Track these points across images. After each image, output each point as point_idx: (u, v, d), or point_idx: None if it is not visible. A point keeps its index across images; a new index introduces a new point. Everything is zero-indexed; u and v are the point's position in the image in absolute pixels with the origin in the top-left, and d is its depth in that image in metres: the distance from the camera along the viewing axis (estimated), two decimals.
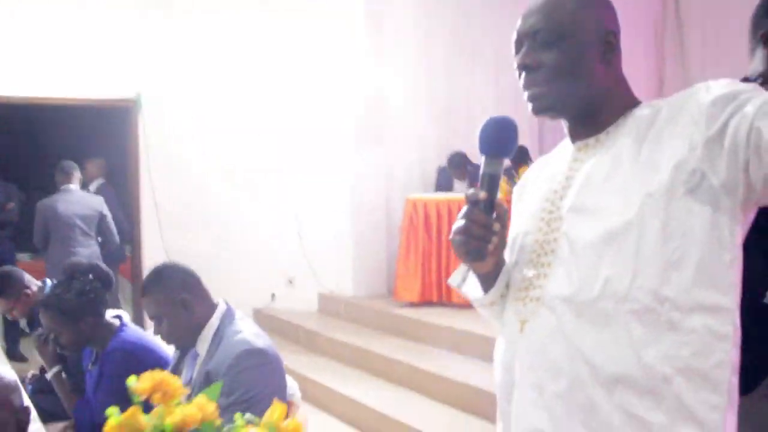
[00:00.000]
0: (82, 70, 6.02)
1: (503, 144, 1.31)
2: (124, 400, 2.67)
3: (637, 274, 1.15)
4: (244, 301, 5.49)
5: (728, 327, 1.16)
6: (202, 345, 2.44)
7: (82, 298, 2.83)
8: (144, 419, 1.19)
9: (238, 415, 1.28)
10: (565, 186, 1.30)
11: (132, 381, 1.27)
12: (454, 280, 1.50)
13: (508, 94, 7.26)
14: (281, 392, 2.40)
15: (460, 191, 6.44)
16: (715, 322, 1.14)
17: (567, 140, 1.38)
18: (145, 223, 6.40)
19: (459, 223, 1.25)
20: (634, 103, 1.31)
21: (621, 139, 1.25)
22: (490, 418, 3.64)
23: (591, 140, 1.30)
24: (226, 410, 2.16)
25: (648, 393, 1.14)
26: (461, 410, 4.23)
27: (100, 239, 5.61)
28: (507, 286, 1.35)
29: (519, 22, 1.33)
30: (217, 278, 6.02)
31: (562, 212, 1.27)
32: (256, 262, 6.29)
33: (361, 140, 6.29)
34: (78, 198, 5.64)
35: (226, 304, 2.55)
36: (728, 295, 1.16)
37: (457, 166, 6.45)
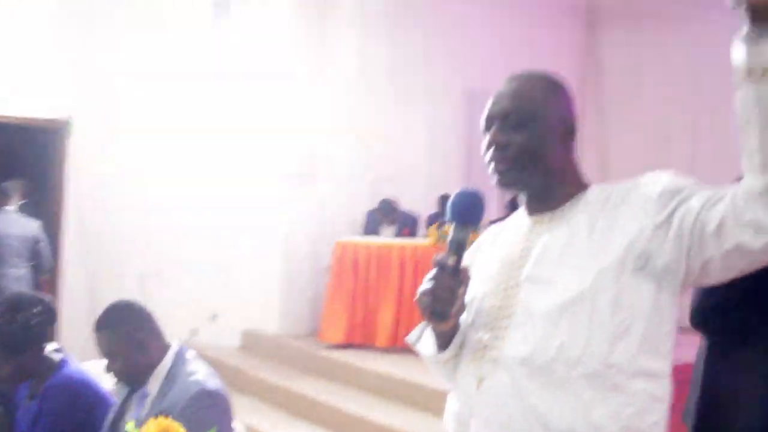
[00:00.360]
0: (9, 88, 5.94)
1: (472, 214, 1.41)
2: None
3: (589, 342, 1.28)
4: (167, 334, 5.43)
5: (664, 390, 1.33)
6: (154, 384, 2.45)
7: (26, 332, 2.80)
8: None
9: None
10: (522, 256, 1.42)
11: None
12: (411, 337, 1.60)
13: (438, 141, 7.57)
14: None
15: (388, 236, 6.62)
16: (654, 386, 1.31)
17: (522, 211, 1.50)
18: (68, 248, 6.28)
19: (426, 285, 1.35)
20: (585, 183, 1.46)
21: (576, 217, 1.39)
22: None
23: (547, 215, 1.43)
24: None
25: None
26: None
27: (32, 263, 5.52)
28: (460, 345, 1.45)
29: (490, 103, 1.46)
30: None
31: (519, 281, 1.39)
32: (182, 296, 6.25)
33: (294, 182, 6.41)
34: (14, 220, 5.59)
35: (179, 344, 2.58)
36: (666, 362, 1.33)
37: (387, 212, 6.62)
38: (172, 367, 2.48)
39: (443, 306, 1.34)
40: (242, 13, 6.49)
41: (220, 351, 6.14)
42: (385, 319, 5.90)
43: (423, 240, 6.11)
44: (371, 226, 6.78)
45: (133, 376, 2.47)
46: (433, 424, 4.61)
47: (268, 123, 6.41)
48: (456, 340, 1.43)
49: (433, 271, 1.36)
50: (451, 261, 1.35)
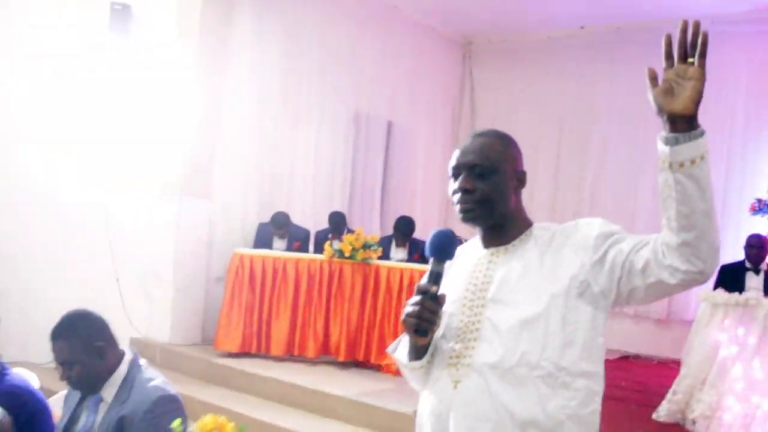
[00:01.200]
0: None
1: (447, 251, 1.77)
2: None
3: (545, 350, 1.66)
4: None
5: (599, 386, 1.71)
6: (109, 390, 2.54)
7: None
8: None
9: None
10: (485, 282, 1.78)
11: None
12: (390, 348, 1.94)
13: (326, 161, 7.89)
14: None
15: (279, 248, 6.83)
16: (592, 383, 1.69)
17: (478, 243, 1.86)
18: None
19: (412, 308, 1.68)
20: (530, 223, 1.85)
21: (527, 252, 1.77)
22: None
23: (501, 248, 1.80)
24: None
25: None
26: None
27: None
28: (432, 354, 1.80)
29: (458, 155, 1.82)
30: (26, 316, 5.88)
31: (485, 302, 1.74)
32: (69, 302, 6.14)
33: (188, 192, 6.46)
34: None
35: (133, 352, 2.73)
36: (599, 365, 1.72)
37: (280, 225, 6.81)
38: (128, 374, 2.58)
39: (427, 325, 1.68)
40: (140, 29, 6.50)
41: None
42: (280, 328, 6.11)
43: (315, 255, 6.36)
44: (262, 239, 6.93)
45: (90, 382, 2.54)
46: (325, 425, 4.95)
47: (163, 135, 6.44)
48: (429, 352, 1.77)
49: (416, 297, 1.70)
50: (434, 289, 1.69)
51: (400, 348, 1.90)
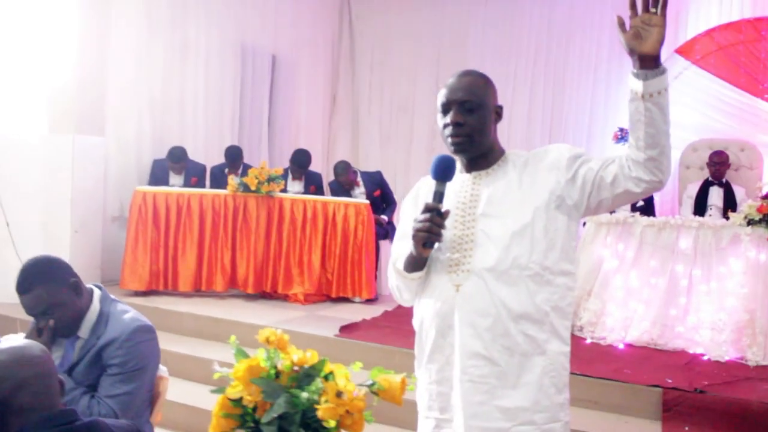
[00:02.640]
0: None
1: (448, 173, 2.02)
2: None
3: (531, 254, 1.98)
4: None
5: (573, 283, 2.08)
6: (85, 327, 2.57)
7: None
8: (264, 363, 1.65)
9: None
10: (472, 200, 2.08)
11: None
12: (391, 267, 2.19)
13: (215, 94, 7.82)
14: (158, 364, 2.77)
15: (176, 184, 6.80)
16: (568, 281, 2.05)
17: (459, 170, 2.13)
18: None
19: (422, 224, 1.95)
20: (503, 150, 2.16)
21: (508, 174, 2.08)
22: None
23: (483, 172, 2.11)
24: (117, 376, 2.52)
25: (537, 322, 1.98)
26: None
27: None
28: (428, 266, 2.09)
29: (447, 93, 2.08)
30: None
31: (475, 216, 2.05)
32: None
33: (82, 129, 6.24)
34: None
35: (98, 286, 2.77)
36: (574, 265, 2.08)
37: (177, 159, 6.76)
38: (101, 308, 2.62)
39: (434, 238, 1.97)
40: None
41: (3, 306, 5.91)
42: (187, 264, 6.15)
43: (219, 190, 6.40)
44: (158, 175, 6.86)
45: (71, 323, 2.53)
46: (228, 352, 5.11)
47: (49, 69, 6.17)
48: (427, 264, 2.07)
49: (425, 214, 1.96)
50: (441, 207, 1.96)
51: (392, 268, 2.17)
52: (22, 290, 2.46)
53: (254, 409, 1.59)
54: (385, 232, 6.93)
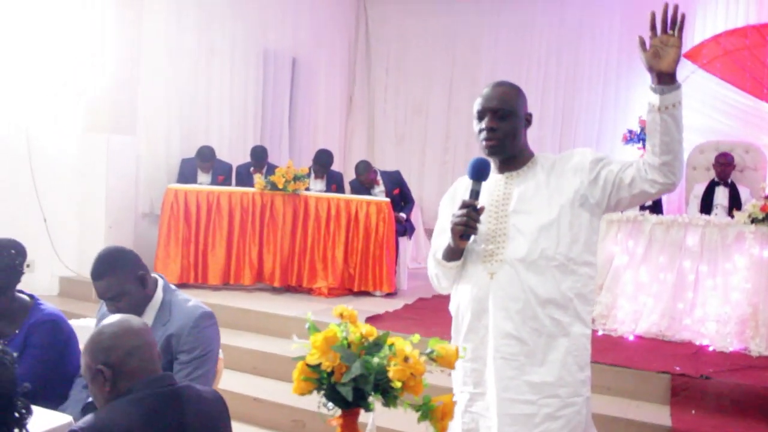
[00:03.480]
0: None
1: (484, 174, 2.30)
2: (52, 366, 3.02)
3: (558, 246, 2.25)
4: None
5: (595, 273, 2.35)
6: (150, 314, 2.81)
7: (7, 273, 3.08)
8: (339, 332, 1.93)
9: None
10: (505, 198, 2.34)
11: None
12: (437, 256, 2.46)
13: (239, 96, 8.11)
14: (219, 346, 3.05)
15: (204, 183, 7.11)
16: (590, 270, 2.32)
17: (493, 171, 2.37)
18: None
19: (460, 218, 2.22)
20: (533, 153, 2.43)
21: (537, 175, 2.35)
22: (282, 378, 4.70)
23: (514, 173, 2.37)
24: (188, 364, 2.79)
25: (562, 307, 2.24)
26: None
27: None
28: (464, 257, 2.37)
29: (483, 101, 2.34)
30: None
31: (508, 213, 2.31)
32: None
33: (115, 129, 6.56)
34: None
35: (161, 277, 3.06)
36: (595, 257, 2.35)
37: (206, 158, 7.07)
38: (164, 297, 2.87)
39: (471, 231, 2.24)
40: None
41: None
42: (216, 259, 6.46)
43: (247, 188, 6.70)
44: (186, 173, 7.16)
45: (137, 310, 2.76)
46: (280, 343, 5.40)
47: (89, 77, 6.49)
48: (464, 254, 2.35)
49: (463, 210, 2.23)
50: (478, 204, 2.24)
51: (432, 259, 2.45)
52: (95, 277, 2.74)
53: (330, 373, 1.87)
54: (404, 229, 7.22)
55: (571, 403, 2.25)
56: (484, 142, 2.35)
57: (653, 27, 2.11)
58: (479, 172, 2.28)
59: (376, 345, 1.89)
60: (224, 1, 7.77)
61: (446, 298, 6.94)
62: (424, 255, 9.13)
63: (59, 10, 6.42)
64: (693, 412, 4.02)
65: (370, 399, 1.85)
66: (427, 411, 1.81)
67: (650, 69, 2.10)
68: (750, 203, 5.14)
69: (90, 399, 2.93)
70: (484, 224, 2.30)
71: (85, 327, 3.47)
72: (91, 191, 6.53)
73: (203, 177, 7.17)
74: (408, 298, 6.54)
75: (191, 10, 7.39)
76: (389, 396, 1.83)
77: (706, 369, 4.35)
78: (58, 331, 3.13)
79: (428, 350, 1.91)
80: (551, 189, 2.30)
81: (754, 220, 4.99)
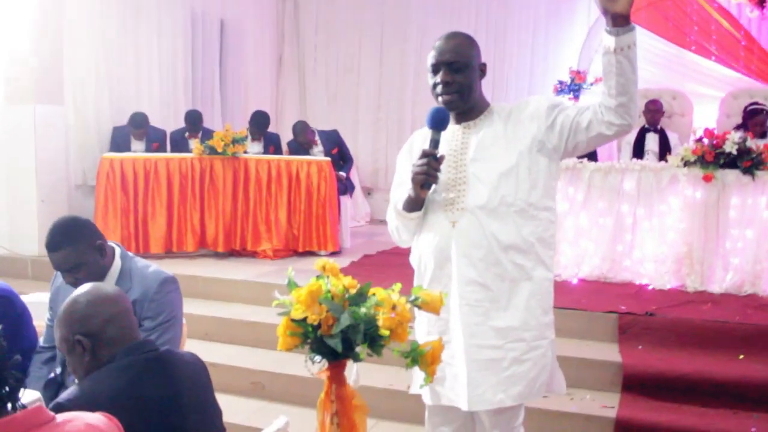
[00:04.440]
0: None
1: (443, 123, 2.33)
2: (8, 343, 2.95)
3: (518, 192, 2.30)
4: None
5: (554, 217, 2.41)
6: (109, 283, 2.72)
7: None
8: (323, 286, 1.93)
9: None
10: (463, 147, 2.38)
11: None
12: (390, 209, 2.49)
13: (167, 59, 7.88)
14: (182, 313, 3.02)
15: (138, 150, 6.92)
16: (550, 215, 2.38)
17: (451, 121, 2.40)
18: None
19: (420, 167, 2.25)
20: (488, 103, 2.47)
21: (494, 123, 2.39)
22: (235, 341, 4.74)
23: (471, 123, 2.41)
24: (154, 330, 2.76)
25: (523, 252, 2.31)
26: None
27: None
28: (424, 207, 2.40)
29: (436, 54, 2.36)
30: None
31: (466, 161, 2.35)
32: None
33: (41, 99, 6.27)
34: None
35: (118, 245, 2.99)
36: (554, 201, 2.41)
37: (138, 125, 6.87)
38: (123, 264, 2.83)
39: (432, 179, 2.27)
40: None
41: None
42: (157, 227, 6.32)
43: (185, 154, 6.56)
44: (119, 142, 6.95)
45: (96, 280, 2.60)
46: (229, 307, 5.36)
47: (10, 45, 6.19)
48: (425, 205, 2.38)
49: (423, 159, 2.27)
50: (438, 152, 2.27)
51: (392, 211, 2.47)
52: (51, 248, 2.67)
53: (316, 326, 1.88)
54: (344, 187, 7.22)
55: (536, 346, 2.33)
56: (440, 97, 2.36)
57: None
58: (439, 122, 2.30)
59: (360, 295, 1.90)
60: None
61: (391, 254, 7.11)
62: (363, 213, 9.18)
63: None
64: (640, 347, 4.22)
65: (358, 349, 1.87)
66: (416, 356, 1.86)
67: (605, 12, 2.14)
68: (683, 147, 5.34)
69: (52, 375, 2.88)
70: (444, 174, 2.33)
71: (36, 303, 3.36)
72: (19, 165, 6.25)
73: (137, 145, 6.98)
74: (353, 255, 6.57)
75: None
76: (376, 345, 1.86)
77: (649, 306, 4.55)
78: (10, 306, 3.04)
79: (413, 297, 1.94)
80: (509, 137, 2.34)
81: (686, 163, 5.19)
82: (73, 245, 2.66)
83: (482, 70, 2.43)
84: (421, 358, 1.85)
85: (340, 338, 1.82)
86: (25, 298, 3.35)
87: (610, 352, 4.21)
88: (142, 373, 1.87)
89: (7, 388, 1.63)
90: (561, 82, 8.17)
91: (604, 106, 2.21)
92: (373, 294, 1.93)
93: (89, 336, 1.88)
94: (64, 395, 1.83)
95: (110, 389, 1.81)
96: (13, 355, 1.65)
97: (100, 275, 2.74)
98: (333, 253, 6.59)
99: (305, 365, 1.90)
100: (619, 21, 2.13)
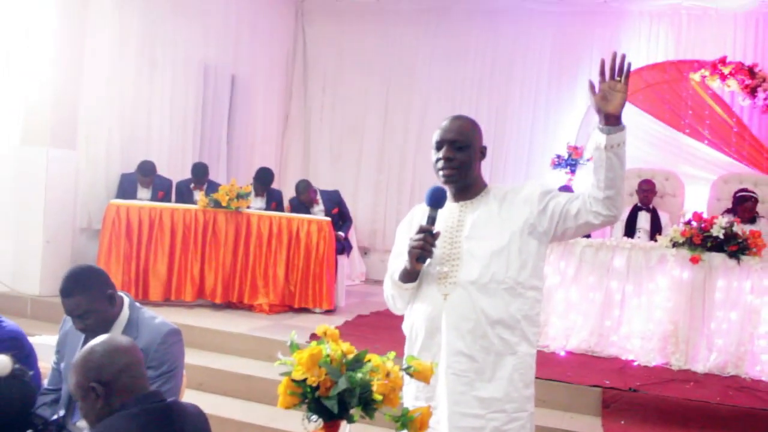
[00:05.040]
0: None
1: (440, 202, 2.48)
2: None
3: (508, 270, 2.43)
4: None
5: (541, 297, 2.54)
6: (117, 331, 2.85)
7: None
8: (322, 350, 2.07)
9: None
10: (459, 225, 2.53)
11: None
12: (395, 276, 2.64)
13: (178, 111, 8.12)
14: (183, 364, 3.14)
15: (144, 198, 7.09)
16: (537, 294, 2.50)
17: (449, 199, 2.57)
18: None
19: (416, 242, 2.39)
20: (486, 184, 2.62)
21: (489, 204, 2.54)
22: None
23: (468, 202, 2.56)
24: (157, 380, 2.88)
25: (510, 327, 2.42)
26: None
27: None
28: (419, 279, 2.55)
29: (441, 132, 2.52)
30: None
31: (461, 238, 2.49)
32: None
33: (55, 142, 6.48)
34: None
35: (127, 295, 3.13)
36: (542, 282, 2.54)
37: (146, 173, 7.06)
38: (130, 314, 2.94)
39: (426, 254, 2.41)
40: None
41: None
42: (158, 275, 6.46)
43: (190, 205, 6.74)
44: (126, 189, 7.13)
45: (104, 327, 2.82)
46: (223, 359, 5.44)
47: (29, 89, 6.43)
48: (420, 276, 2.52)
49: (419, 235, 2.40)
50: (434, 229, 2.41)
51: (389, 280, 2.61)
52: (65, 294, 2.81)
53: (314, 388, 2.02)
54: (342, 247, 7.38)
55: (516, 418, 2.43)
56: (440, 171, 2.52)
57: (602, 73, 2.31)
58: (436, 200, 2.45)
59: (357, 361, 2.05)
60: (167, 16, 7.79)
61: (384, 316, 7.21)
62: (359, 272, 9.32)
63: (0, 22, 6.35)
64: (622, 422, 4.32)
65: (352, 411, 2.01)
66: (406, 421, 1.99)
67: (598, 111, 2.31)
68: (672, 228, 5.53)
69: (55, 417, 2.99)
70: (439, 248, 2.46)
71: (42, 344, 3.48)
72: (29, 205, 6.42)
73: (143, 192, 7.16)
74: (347, 314, 6.69)
75: (134, 25, 7.39)
76: (370, 408, 2.00)
77: (633, 382, 4.67)
78: (19, 347, 3.15)
79: (405, 366, 2.08)
80: (503, 217, 2.47)
81: (675, 244, 5.38)
82: (85, 293, 2.79)
83: (482, 152, 2.59)
84: (410, 423, 1.98)
85: (336, 400, 1.96)
86: (38, 339, 3.47)
87: (593, 426, 4.32)
88: (151, 422, 2.00)
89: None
90: (558, 156, 8.41)
91: (593, 197, 2.37)
92: (369, 360, 2.07)
93: (103, 384, 2.02)
94: None
95: None
96: (41, 397, 1.79)
97: (108, 323, 2.86)
98: (327, 311, 6.71)
99: (302, 423, 2.03)
100: (611, 120, 2.29)
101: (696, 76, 7.88)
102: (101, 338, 2.15)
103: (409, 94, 9.83)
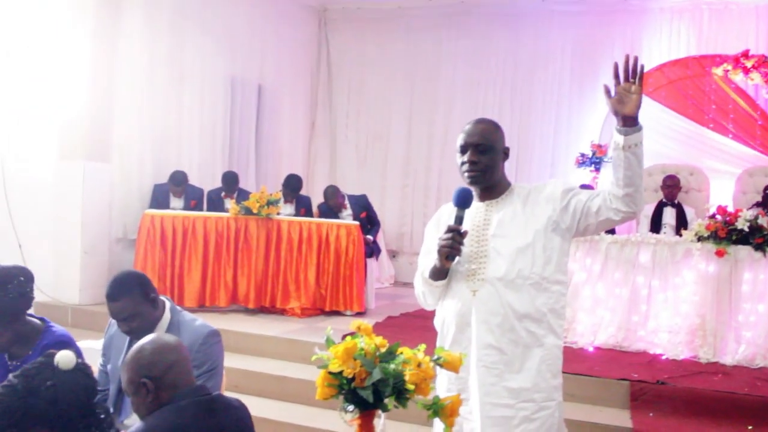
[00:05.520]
0: None
1: (467, 201, 2.59)
2: None
3: (533, 266, 2.54)
4: None
5: (566, 290, 2.66)
6: (159, 333, 2.96)
7: (19, 300, 3.24)
8: (357, 343, 2.19)
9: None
10: (485, 223, 2.64)
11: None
12: (424, 274, 2.75)
13: (208, 122, 8.32)
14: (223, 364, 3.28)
15: (176, 208, 7.29)
16: (562, 288, 2.62)
17: (475, 199, 2.67)
18: None
19: (445, 241, 2.50)
20: (510, 183, 2.73)
21: (513, 203, 2.65)
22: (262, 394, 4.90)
23: (493, 201, 2.67)
24: (199, 378, 3.01)
25: (536, 321, 2.54)
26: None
27: None
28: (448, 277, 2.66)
29: (465, 136, 2.63)
30: None
31: (488, 236, 2.60)
32: None
33: (91, 156, 6.72)
34: None
35: (168, 299, 3.28)
36: (566, 276, 2.65)
37: (178, 183, 7.27)
38: (172, 317, 3.10)
39: (455, 252, 2.52)
40: None
41: None
42: (192, 282, 6.65)
43: (221, 213, 6.94)
44: (158, 199, 7.34)
45: (148, 330, 2.93)
46: (258, 362, 5.60)
47: (65, 106, 6.67)
48: (449, 274, 2.64)
49: (448, 234, 2.51)
50: (462, 228, 2.52)
51: (419, 278, 2.72)
52: (111, 298, 2.97)
53: (350, 379, 2.15)
54: (371, 250, 7.51)
55: (545, 407, 2.53)
56: (466, 174, 2.64)
57: (617, 76, 2.41)
58: (463, 200, 2.57)
59: (390, 353, 2.17)
60: (194, 32, 8.01)
61: (413, 317, 7.35)
62: (388, 275, 9.44)
63: (35, 39, 6.59)
64: (651, 414, 4.39)
65: (386, 400, 2.13)
66: (437, 409, 2.11)
67: (615, 113, 2.41)
68: (696, 222, 5.57)
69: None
70: (467, 247, 2.57)
71: (90, 348, 3.65)
72: (67, 217, 6.66)
73: (176, 202, 7.35)
74: (377, 316, 6.81)
75: (163, 42, 7.61)
76: (403, 397, 2.12)
77: (661, 375, 4.73)
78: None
79: (435, 357, 2.20)
80: (527, 216, 2.58)
81: (700, 238, 5.42)
82: (129, 297, 2.94)
83: (505, 153, 2.70)
84: (441, 410, 2.10)
85: (371, 390, 2.08)
86: (86, 344, 3.63)
87: (622, 419, 4.39)
88: (198, 413, 2.14)
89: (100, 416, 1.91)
90: (582, 155, 8.46)
91: (613, 194, 2.47)
92: (401, 353, 2.19)
93: (153, 379, 2.16)
94: (132, 429, 2.10)
95: (170, 426, 2.08)
96: (102, 391, 1.94)
97: (151, 326, 3.01)
98: (358, 314, 6.83)
99: (339, 413, 2.16)
100: (629, 121, 2.40)
101: (719, 71, 7.88)
102: (150, 337, 2.30)
103: (432, 99, 9.94)
